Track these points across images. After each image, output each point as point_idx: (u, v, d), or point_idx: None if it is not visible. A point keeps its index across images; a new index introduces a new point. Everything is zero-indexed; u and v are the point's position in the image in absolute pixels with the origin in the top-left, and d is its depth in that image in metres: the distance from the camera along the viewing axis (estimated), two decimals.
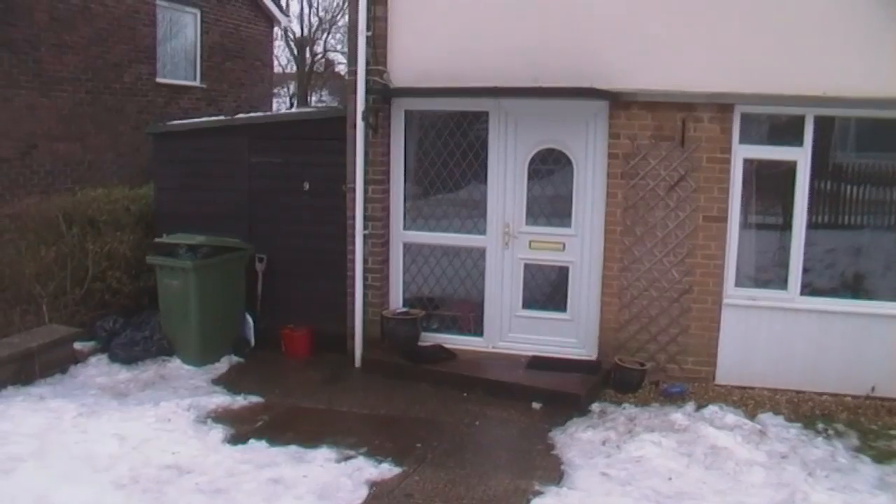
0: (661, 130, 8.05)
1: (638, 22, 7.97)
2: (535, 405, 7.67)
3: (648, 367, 8.13)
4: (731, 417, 7.18)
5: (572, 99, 8.24)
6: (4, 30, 11.95)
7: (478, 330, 8.90)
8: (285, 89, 31.35)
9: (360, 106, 8.56)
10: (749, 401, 7.83)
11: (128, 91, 14.34)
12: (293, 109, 24.01)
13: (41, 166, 12.75)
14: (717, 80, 7.81)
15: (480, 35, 8.32)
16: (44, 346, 8.10)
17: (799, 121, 7.89)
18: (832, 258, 8.13)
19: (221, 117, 10.56)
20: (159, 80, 15.10)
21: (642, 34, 7.96)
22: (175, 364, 8.74)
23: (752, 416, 7.31)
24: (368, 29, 8.51)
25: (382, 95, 8.60)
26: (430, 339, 8.88)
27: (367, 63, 8.54)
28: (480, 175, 8.69)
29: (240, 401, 7.69)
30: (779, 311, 8.04)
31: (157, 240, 9.20)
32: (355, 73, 8.59)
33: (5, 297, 8.88)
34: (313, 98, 31.89)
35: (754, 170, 8.08)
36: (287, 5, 27.35)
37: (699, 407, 7.48)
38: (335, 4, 31.45)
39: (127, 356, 8.61)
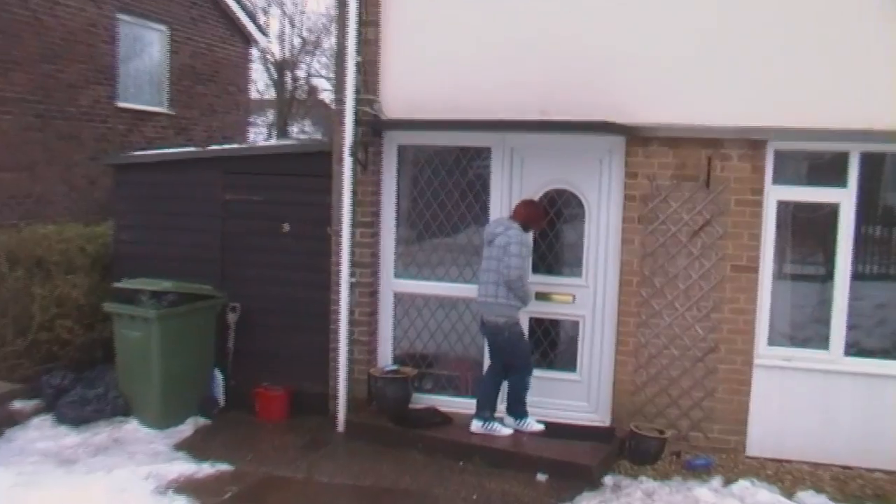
0: (683, 169, 7.79)
1: (658, 48, 7.73)
2: (541, 477, 7.33)
3: (669, 435, 7.75)
4: (765, 495, 6.83)
5: (584, 134, 7.98)
6: None
7: (477, 391, 8.48)
8: (263, 118, 31.64)
9: (348, 139, 8.38)
10: (786, 476, 7.40)
11: (84, 116, 13.75)
12: (272, 141, 23.81)
13: None
14: (747, 113, 7.52)
15: (483, 63, 8.12)
16: None
17: (842, 158, 7.61)
18: (882, 314, 7.74)
19: (192, 148, 10.61)
20: (120, 104, 14.51)
21: (662, 62, 7.72)
22: (132, 426, 8.42)
23: (789, 494, 6.92)
24: (358, 53, 8.36)
25: (373, 128, 8.46)
26: (422, 400, 8.59)
27: (357, 91, 8.38)
28: (482, 218, 8.40)
29: (206, 469, 7.42)
30: (819, 373, 7.68)
31: (115, 284, 8.92)
32: (342, 102, 8.44)
33: None
34: (294, 128, 32.15)
35: (790, 213, 7.82)
36: (266, 24, 27.10)
37: (727, 482, 7.12)
38: (320, 24, 31.23)
39: (76, 417, 8.28)
